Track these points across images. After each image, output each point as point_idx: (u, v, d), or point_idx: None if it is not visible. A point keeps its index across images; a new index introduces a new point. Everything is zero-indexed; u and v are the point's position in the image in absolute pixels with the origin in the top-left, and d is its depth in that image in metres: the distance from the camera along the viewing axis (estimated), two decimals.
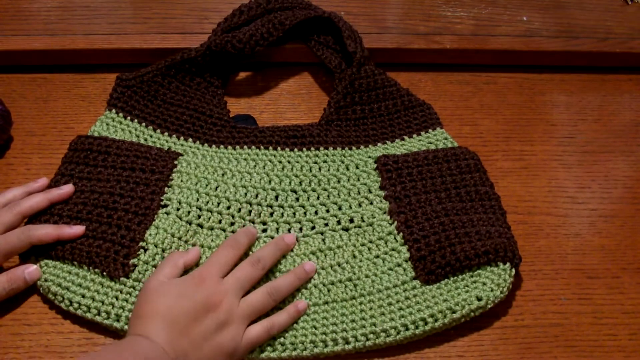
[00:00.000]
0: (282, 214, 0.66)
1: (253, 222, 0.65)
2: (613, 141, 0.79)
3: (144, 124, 0.74)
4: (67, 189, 0.65)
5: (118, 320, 0.58)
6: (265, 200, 0.67)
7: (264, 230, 0.65)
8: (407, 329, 0.58)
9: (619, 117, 0.82)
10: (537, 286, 0.65)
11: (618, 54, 0.86)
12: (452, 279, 0.61)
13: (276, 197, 0.67)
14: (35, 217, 0.64)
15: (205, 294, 0.55)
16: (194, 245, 0.63)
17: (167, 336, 0.52)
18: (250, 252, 0.63)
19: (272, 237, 0.64)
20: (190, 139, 0.73)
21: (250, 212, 0.66)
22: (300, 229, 0.65)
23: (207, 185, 0.67)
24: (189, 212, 0.65)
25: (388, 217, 0.65)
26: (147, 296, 0.55)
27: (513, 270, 0.61)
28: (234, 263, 0.60)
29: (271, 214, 0.66)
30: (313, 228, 0.65)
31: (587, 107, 0.83)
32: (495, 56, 0.85)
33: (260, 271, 0.60)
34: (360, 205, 0.67)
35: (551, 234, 0.69)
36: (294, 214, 0.66)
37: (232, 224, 0.65)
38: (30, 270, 0.60)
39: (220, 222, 0.65)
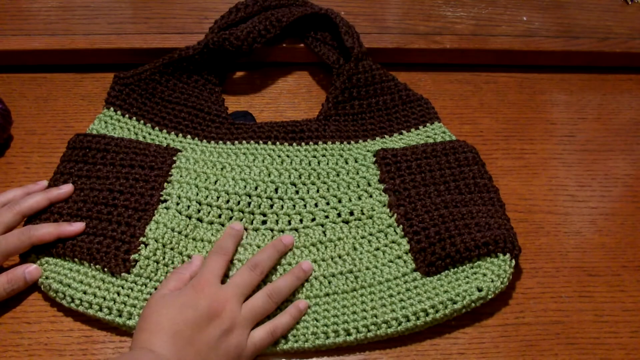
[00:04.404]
0: (282, 206, 0.66)
1: (253, 214, 0.65)
2: (613, 140, 0.79)
3: (142, 121, 0.74)
4: (66, 188, 0.65)
5: (120, 316, 0.58)
6: (265, 193, 0.66)
7: (264, 222, 0.65)
8: (408, 320, 0.58)
9: (619, 116, 0.82)
10: (538, 284, 0.64)
11: (618, 53, 0.86)
12: (452, 270, 0.61)
13: (276, 190, 0.67)
14: (35, 216, 0.64)
15: (207, 302, 0.55)
16: (194, 239, 0.63)
17: (173, 348, 0.52)
18: (248, 245, 0.63)
19: (272, 230, 0.65)
20: (189, 136, 0.73)
21: (249, 203, 0.66)
22: (301, 221, 0.65)
23: (206, 179, 0.67)
24: (188, 207, 0.65)
25: (388, 210, 0.65)
26: (151, 310, 0.55)
27: (513, 261, 0.61)
28: (225, 268, 0.60)
29: (271, 206, 0.66)
30: (313, 220, 0.65)
31: (587, 106, 0.83)
32: (495, 56, 0.85)
33: (259, 276, 0.60)
34: (359, 198, 0.67)
35: (552, 232, 0.69)
36: (294, 206, 0.66)
37: (232, 217, 0.65)
38: (30, 269, 0.60)
39: (220, 216, 0.65)
